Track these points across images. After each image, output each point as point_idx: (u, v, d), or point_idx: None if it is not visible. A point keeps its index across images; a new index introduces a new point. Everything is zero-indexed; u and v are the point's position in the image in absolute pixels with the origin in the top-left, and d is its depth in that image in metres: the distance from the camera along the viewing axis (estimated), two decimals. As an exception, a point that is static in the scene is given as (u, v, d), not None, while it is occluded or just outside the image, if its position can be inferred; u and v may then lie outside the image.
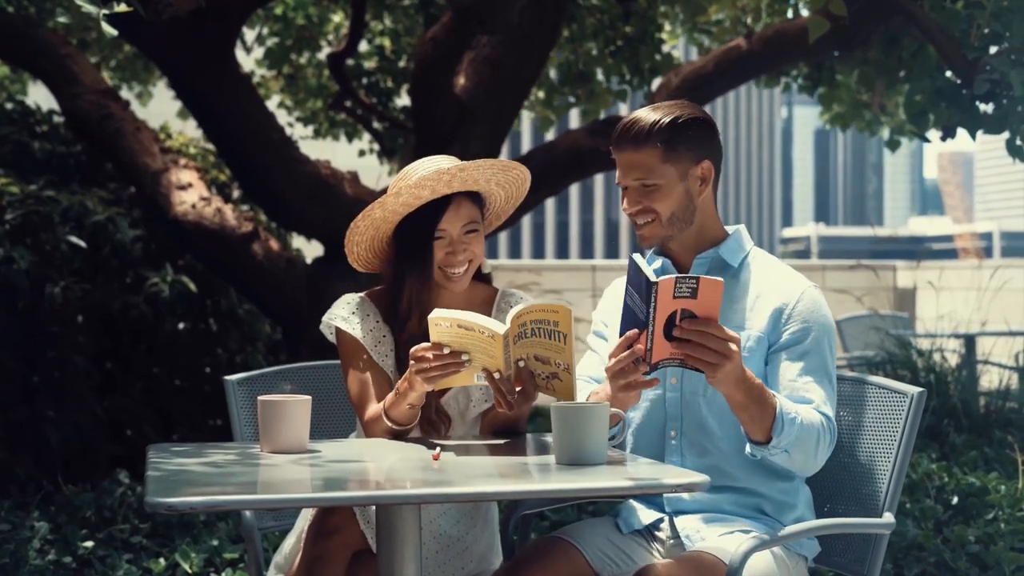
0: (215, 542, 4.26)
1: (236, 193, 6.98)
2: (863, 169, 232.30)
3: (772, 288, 2.77)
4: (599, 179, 62.89)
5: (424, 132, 5.86)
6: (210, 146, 6.96)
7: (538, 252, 71.66)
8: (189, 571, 4.11)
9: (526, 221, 69.22)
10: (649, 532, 2.81)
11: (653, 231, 2.77)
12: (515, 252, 69.07)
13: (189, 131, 7.40)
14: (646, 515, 2.81)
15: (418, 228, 2.90)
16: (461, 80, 5.86)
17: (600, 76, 7.23)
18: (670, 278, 2.45)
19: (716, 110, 72.57)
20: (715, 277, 2.48)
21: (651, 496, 2.82)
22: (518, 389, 2.70)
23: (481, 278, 3.04)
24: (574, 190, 68.36)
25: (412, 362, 2.69)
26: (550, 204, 67.17)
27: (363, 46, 7.70)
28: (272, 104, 7.85)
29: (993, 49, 4.57)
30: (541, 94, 7.66)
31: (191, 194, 5.86)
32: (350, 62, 7.45)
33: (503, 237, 63.80)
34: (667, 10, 7.05)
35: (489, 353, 2.65)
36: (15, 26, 6.04)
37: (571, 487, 2.42)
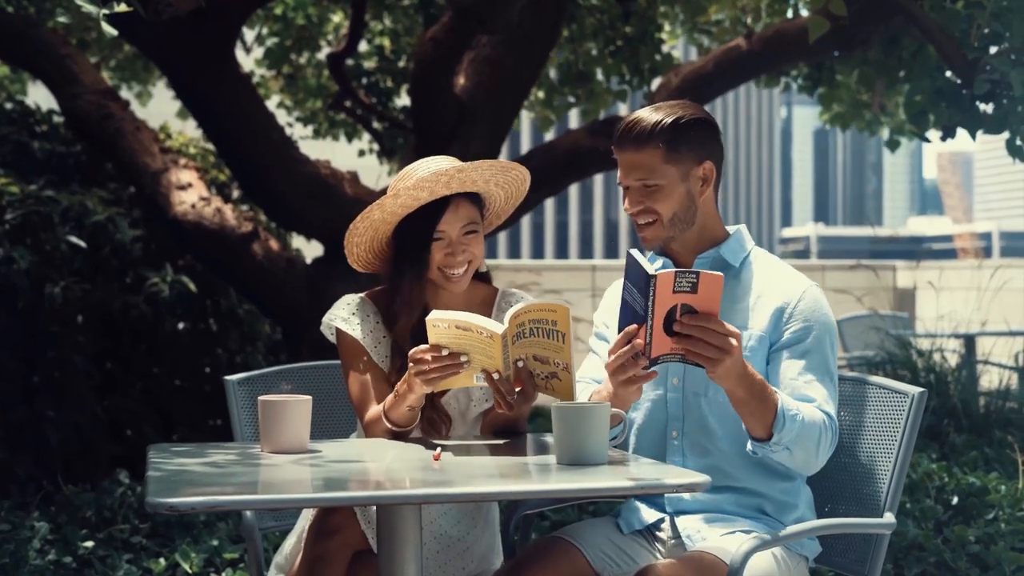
0: (215, 542, 4.26)
1: (236, 193, 6.98)
2: (862, 169, 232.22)
3: (773, 288, 2.77)
4: (599, 179, 62.94)
5: (424, 132, 5.86)
6: (210, 146, 6.96)
7: (537, 252, 71.68)
8: (189, 571, 4.11)
9: (526, 221, 69.23)
10: (650, 532, 2.81)
11: (655, 232, 2.77)
12: (514, 252, 69.06)
13: (189, 131, 7.40)
14: (647, 515, 2.81)
15: (417, 229, 2.89)
16: (461, 80, 5.85)
17: (600, 76, 7.22)
18: (669, 272, 2.45)
19: (716, 110, 72.48)
20: (715, 272, 2.48)
21: (652, 496, 2.81)
22: (517, 389, 2.70)
23: (481, 278, 3.04)
24: (574, 190, 68.37)
25: (411, 364, 2.69)
26: (550, 204, 67.17)
27: (363, 46, 7.70)
28: (272, 104, 7.85)
29: (993, 49, 4.56)
30: (541, 94, 7.65)
31: (191, 194, 5.86)
32: (350, 62, 7.45)
33: (503, 237, 63.79)
34: (667, 10, 7.04)
35: (488, 354, 2.64)
36: (15, 26, 6.03)
37: (572, 487, 2.42)
